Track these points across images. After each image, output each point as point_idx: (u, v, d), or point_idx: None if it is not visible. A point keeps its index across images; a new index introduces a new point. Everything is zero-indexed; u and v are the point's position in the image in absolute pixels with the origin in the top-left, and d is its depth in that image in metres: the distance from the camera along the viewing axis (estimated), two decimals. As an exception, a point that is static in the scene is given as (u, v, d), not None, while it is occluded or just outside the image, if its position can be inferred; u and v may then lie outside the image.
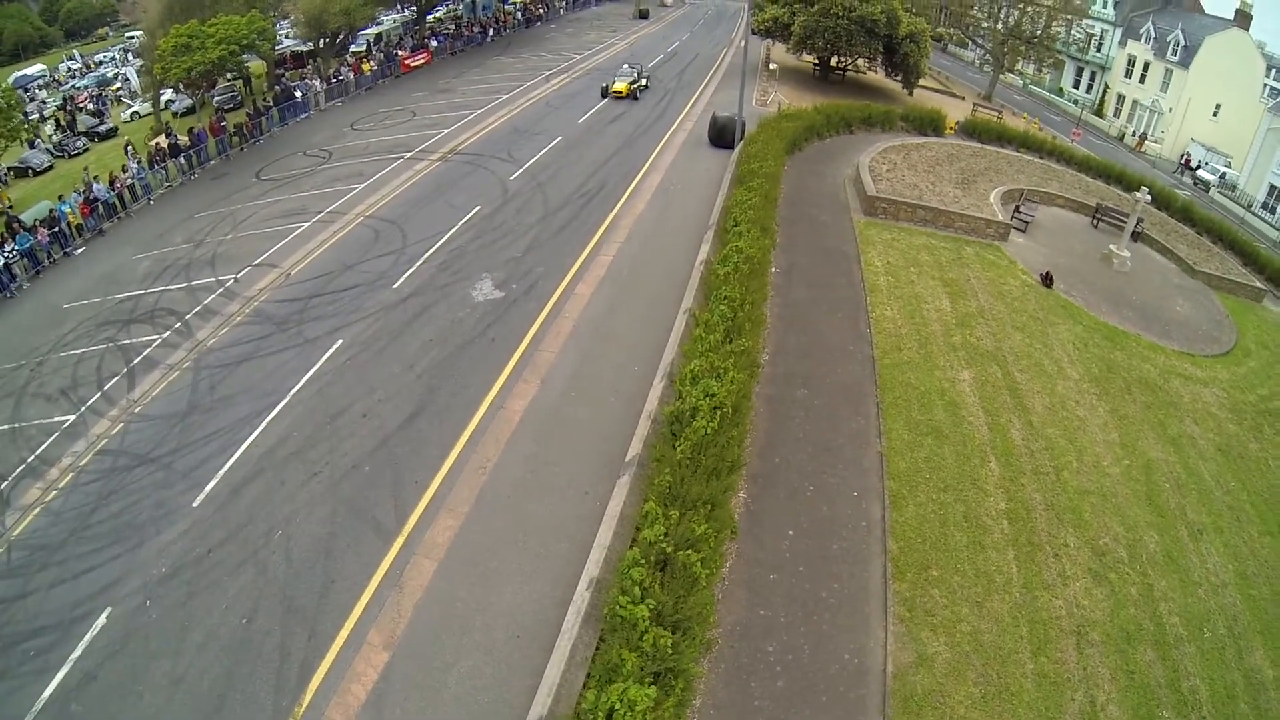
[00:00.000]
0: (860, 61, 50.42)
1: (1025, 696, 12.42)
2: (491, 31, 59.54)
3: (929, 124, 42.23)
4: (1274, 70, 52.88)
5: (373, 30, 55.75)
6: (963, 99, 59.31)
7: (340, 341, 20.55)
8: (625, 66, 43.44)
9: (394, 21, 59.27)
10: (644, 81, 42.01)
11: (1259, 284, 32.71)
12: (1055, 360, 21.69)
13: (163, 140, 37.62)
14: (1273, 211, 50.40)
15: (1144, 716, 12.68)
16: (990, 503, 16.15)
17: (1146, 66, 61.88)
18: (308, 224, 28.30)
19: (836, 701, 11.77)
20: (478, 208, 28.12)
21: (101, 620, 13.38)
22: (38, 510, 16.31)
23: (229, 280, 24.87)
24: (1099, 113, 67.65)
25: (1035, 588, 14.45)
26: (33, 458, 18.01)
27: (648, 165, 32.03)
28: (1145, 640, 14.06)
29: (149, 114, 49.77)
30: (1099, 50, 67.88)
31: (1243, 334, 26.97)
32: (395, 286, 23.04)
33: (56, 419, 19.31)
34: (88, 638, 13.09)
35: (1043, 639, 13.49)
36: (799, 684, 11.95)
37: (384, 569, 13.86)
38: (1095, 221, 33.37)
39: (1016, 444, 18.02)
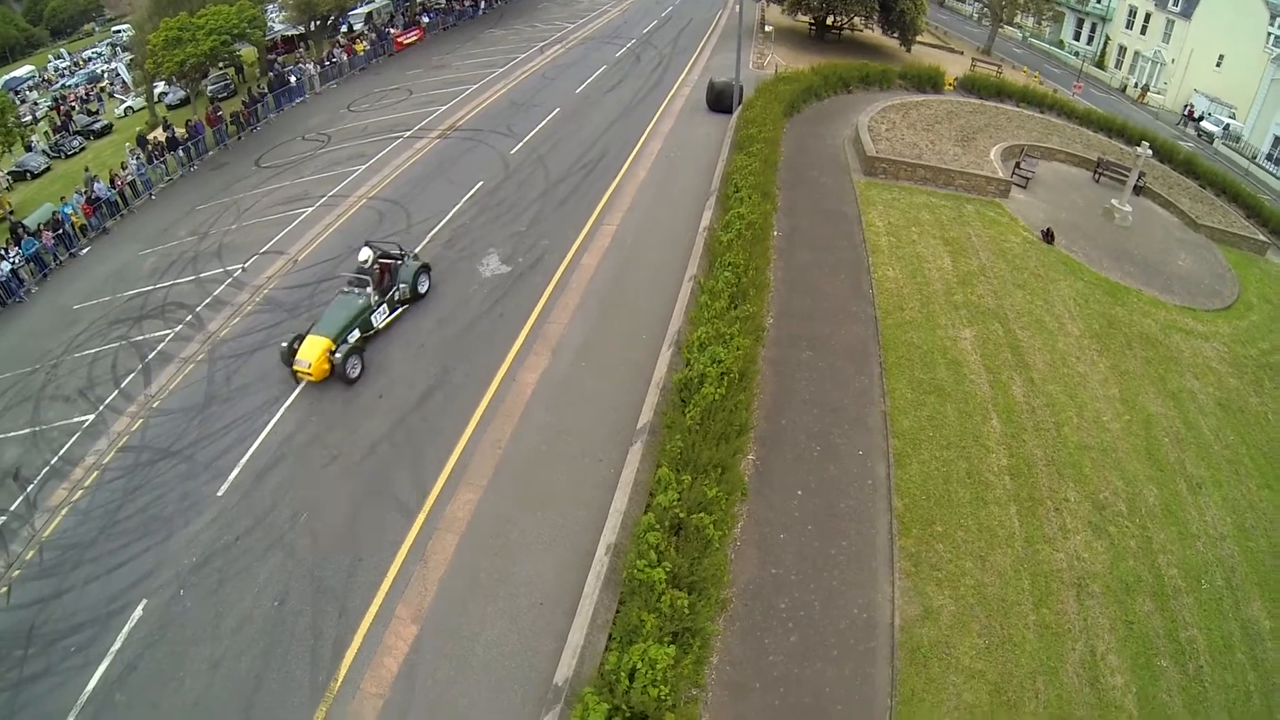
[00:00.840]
0: (856, 20, 49.81)
1: (1027, 647, 12.89)
2: (483, 4, 58.93)
3: (927, 81, 41.93)
4: (1278, 19, 51.94)
5: (363, 9, 55.18)
6: (961, 54, 58.62)
7: (351, 326, 20.80)
8: (364, 250, 19.18)
9: (384, -1, 58.66)
10: (396, 294, 19.64)
11: (1262, 237, 32.68)
12: (1056, 317, 21.90)
13: (160, 134, 37.69)
14: (1277, 163, 49.94)
15: (1142, 665, 13.14)
16: (992, 459, 16.51)
17: (1148, 17, 60.93)
18: (311, 209, 28.49)
19: (847, 654, 12.25)
20: (480, 183, 28.24)
21: (138, 613, 13.86)
22: (66, 510, 16.75)
23: (236, 270, 25.16)
24: (1100, 65, 66.77)
25: (1036, 541, 14.86)
26: (56, 459, 18.43)
27: (647, 133, 32.02)
28: (1144, 591, 14.48)
29: (143, 108, 49.70)
30: (1099, 1, 66.77)
31: (1245, 288, 27.06)
32: (402, 268, 23.19)
33: (76, 419, 19.74)
34: (125, 630, 13.58)
35: (1044, 591, 13.92)
36: (811, 638, 12.43)
37: (408, 545, 14.34)
38: (1097, 176, 33.28)
39: (1018, 400, 18.33)
